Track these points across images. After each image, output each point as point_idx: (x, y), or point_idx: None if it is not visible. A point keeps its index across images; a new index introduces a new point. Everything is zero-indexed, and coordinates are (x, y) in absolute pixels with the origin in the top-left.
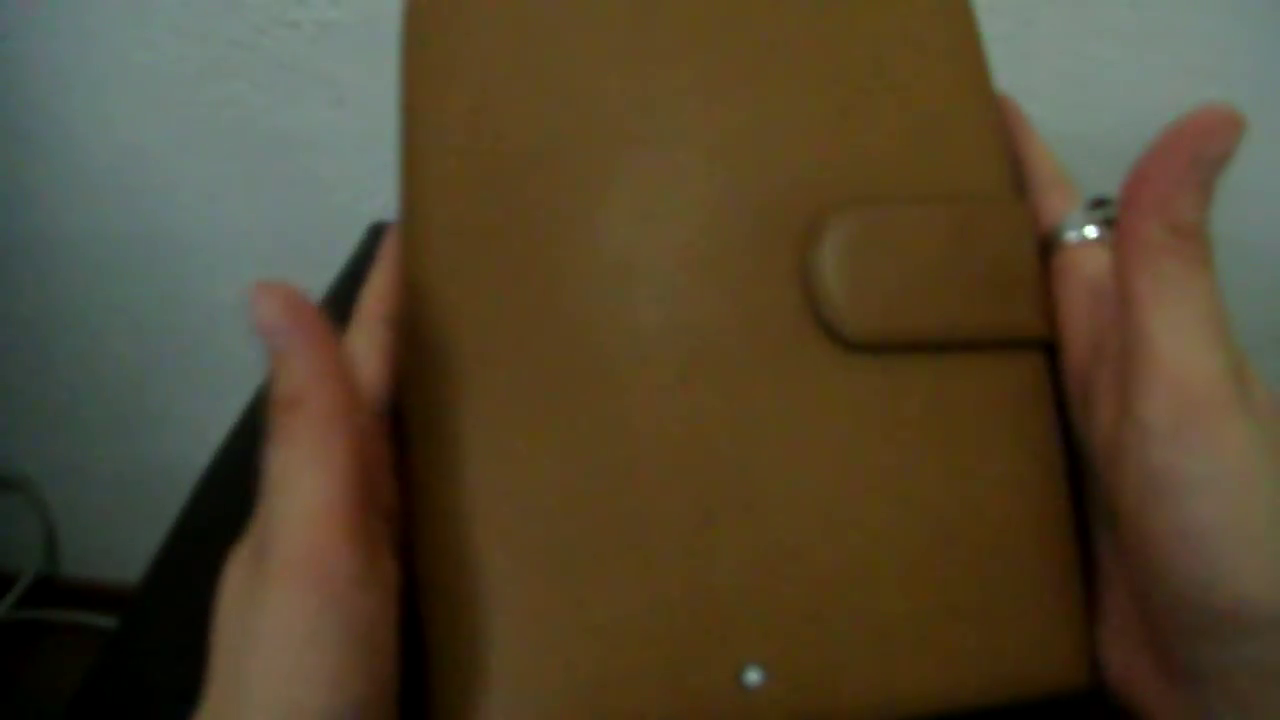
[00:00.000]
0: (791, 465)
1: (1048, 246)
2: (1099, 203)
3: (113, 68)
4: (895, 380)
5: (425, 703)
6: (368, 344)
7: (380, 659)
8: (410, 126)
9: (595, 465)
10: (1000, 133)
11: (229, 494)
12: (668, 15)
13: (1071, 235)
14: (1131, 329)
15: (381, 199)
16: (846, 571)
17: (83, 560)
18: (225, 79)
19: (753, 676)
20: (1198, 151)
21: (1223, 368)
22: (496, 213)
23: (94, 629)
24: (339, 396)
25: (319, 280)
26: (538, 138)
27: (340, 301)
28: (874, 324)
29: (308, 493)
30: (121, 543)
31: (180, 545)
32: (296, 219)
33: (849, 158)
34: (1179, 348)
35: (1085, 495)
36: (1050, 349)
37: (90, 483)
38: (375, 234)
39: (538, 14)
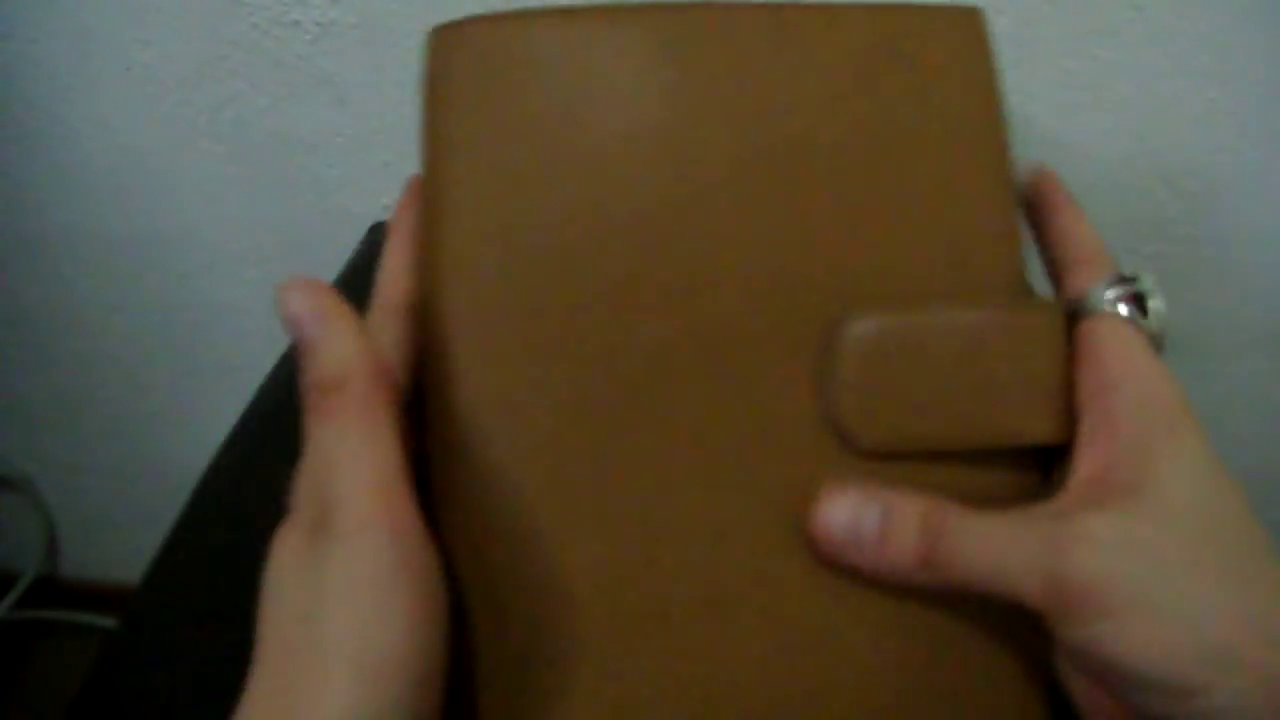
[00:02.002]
0: (798, 561)
1: (1073, 317)
2: (1122, 279)
3: (112, 68)
4: (905, 482)
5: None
6: (387, 334)
7: (443, 612)
8: (435, 168)
9: (617, 549)
10: (1017, 230)
11: (229, 494)
12: (697, 111)
13: (1096, 308)
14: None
15: (381, 199)
16: (848, 664)
17: (83, 560)
18: (225, 79)
19: None
20: (873, 551)
21: (1033, 541)
22: (526, 294)
23: (94, 629)
24: (378, 373)
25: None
26: (571, 223)
27: None
28: (885, 434)
29: (370, 460)
30: (121, 543)
31: (180, 545)
32: (296, 219)
33: (872, 254)
34: (980, 576)
35: None
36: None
37: (90, 483)
38: (375, 234)
39: (571, 101)
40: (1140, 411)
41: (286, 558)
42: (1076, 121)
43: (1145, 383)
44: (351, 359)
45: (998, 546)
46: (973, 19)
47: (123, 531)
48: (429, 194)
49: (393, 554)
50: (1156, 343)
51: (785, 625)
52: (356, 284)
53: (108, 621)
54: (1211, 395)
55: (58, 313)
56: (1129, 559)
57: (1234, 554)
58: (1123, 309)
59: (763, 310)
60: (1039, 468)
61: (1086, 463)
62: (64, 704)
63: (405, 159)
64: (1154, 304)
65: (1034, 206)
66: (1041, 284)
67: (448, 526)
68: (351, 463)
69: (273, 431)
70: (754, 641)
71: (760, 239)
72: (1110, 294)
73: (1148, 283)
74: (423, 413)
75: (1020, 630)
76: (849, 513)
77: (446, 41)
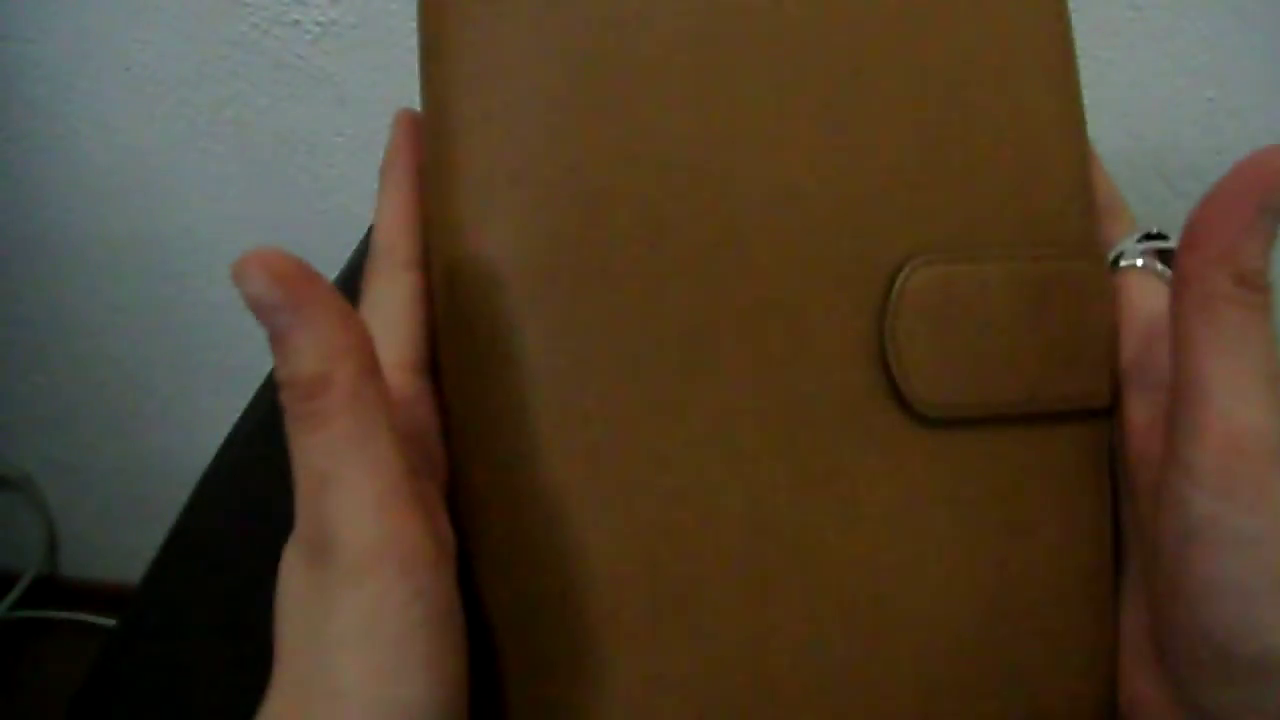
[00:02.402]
0: (850, 532)
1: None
2: (1150, 235)
3: (112, 68)
4: (960, 449)
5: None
6: (397, 295)
7: (460, 634)
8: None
9: (655, 526)
10: (1089, 179)
11: (229, 494)
12: (735, 34)
13: (1125, 263)
14: (1186, 374)
15: None
16: (898, 636)
17: (83, 560)
18: (225, 79)
19: None
20: (1266, 199)
21: (1275, 423)
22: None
23: (94, 629)
24: (366, 369)
25: None
26: (598, 167)
27: None
28: (948, 398)
29: (364, 480)
30: (121, 543)
31: (180, 545)
32: (296, 219)
33: (932, 201)
34: (1233, 399)
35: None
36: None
37: (90, 483)
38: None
39: (589, 21)
40: None
41: (293, 584)
42: None
43: None
44: (335, 351)
45: (1235, 356)
46: None
47: (123, 531)
48: (434, 133)
49: (404, 590)
50: None
51: (829, 602)
52: (357, 284)
53: (108, 621)
54: None
55: (58, 313)
56: None
57: None
58: (1155, 264)
59: (810, 262)
60: (1106, 436)
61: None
62: (64, 704)
63: None
64: None
65: None
66: None
67: (475, 500)
68: (347, 483)
69: (273, 430)
70: (796, 618)
71: (805, 179)
72: (1141, 247)
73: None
74: (440, 377)
75: (1084, 611)
76: None
77: None
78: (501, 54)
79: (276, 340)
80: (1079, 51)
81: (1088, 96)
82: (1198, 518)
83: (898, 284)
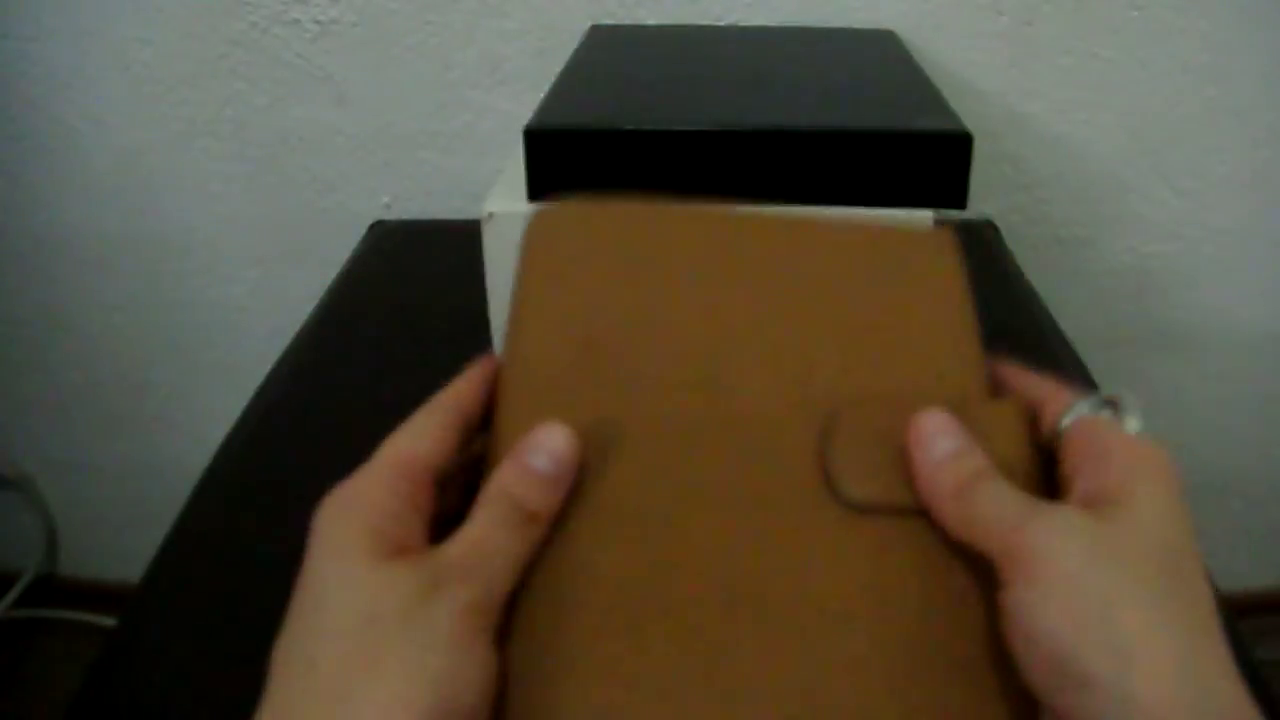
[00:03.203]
0: (798, 585)
1: (1060, 431)
2: (1093, 393)
3: (112, 67)
4: (885, 534)
5: None
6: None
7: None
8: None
9: (649, 561)
10: (982, 375)
11: (229, 494)
12: (733, 283)
13: (1080, 410)
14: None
15: (381, 198)
16: (836, 672)
17: (83, 560)
18: (225, 78)
19: None
20: (934, 462)
21: (1017, 511)
22: (590, 385)
23: (94, 629)
24: (544, 530)
25: (319, 280)
26: (626, 336)
27: (340, 302)
28: (869, 495)
29: (495, 573)
30: (121, 543)
31: (180, 545)
32: (296, 218)
33: (863, 379)
34: (978, 525)
35: None
36: None
37: (90, 483)
38: (375, 234)
39: (639, 271)
40: (1128, 462)
41: (332, 575)
42: (1076, 119)
43: (1134, 446)
44: (552, 504)
45: (995, 506)
46: (945, 240)
47: (123, 531)
48: (512, 330)
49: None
50: None
51: (778, 630)
52: (356, 283)
53: (108, 621)
54: (1211, 395)
55: (58, 313)
56: (1075, 546)
57: (1174, 584)
58: (1100, 411)
59: (777, 402)
60: None
61: (1078, 499)
62: (63, 704)
63: (405, 158)
64: (1131, 421)
65: (1000, 380)
66: None
67: None
68: (509, 572)
69: (272, 430)
70: (753, 636)
71: (776, 359)
72: (1091, 402)
73: (1129, 400)
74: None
75: (1003, 673)
76: (948, 424)
77: (548, 222)
78: (572, 286)
79: (538, 478)
80: (1080, 50)
81: (1088, 96)
82: (1009, 605)
83: (834, 420)
